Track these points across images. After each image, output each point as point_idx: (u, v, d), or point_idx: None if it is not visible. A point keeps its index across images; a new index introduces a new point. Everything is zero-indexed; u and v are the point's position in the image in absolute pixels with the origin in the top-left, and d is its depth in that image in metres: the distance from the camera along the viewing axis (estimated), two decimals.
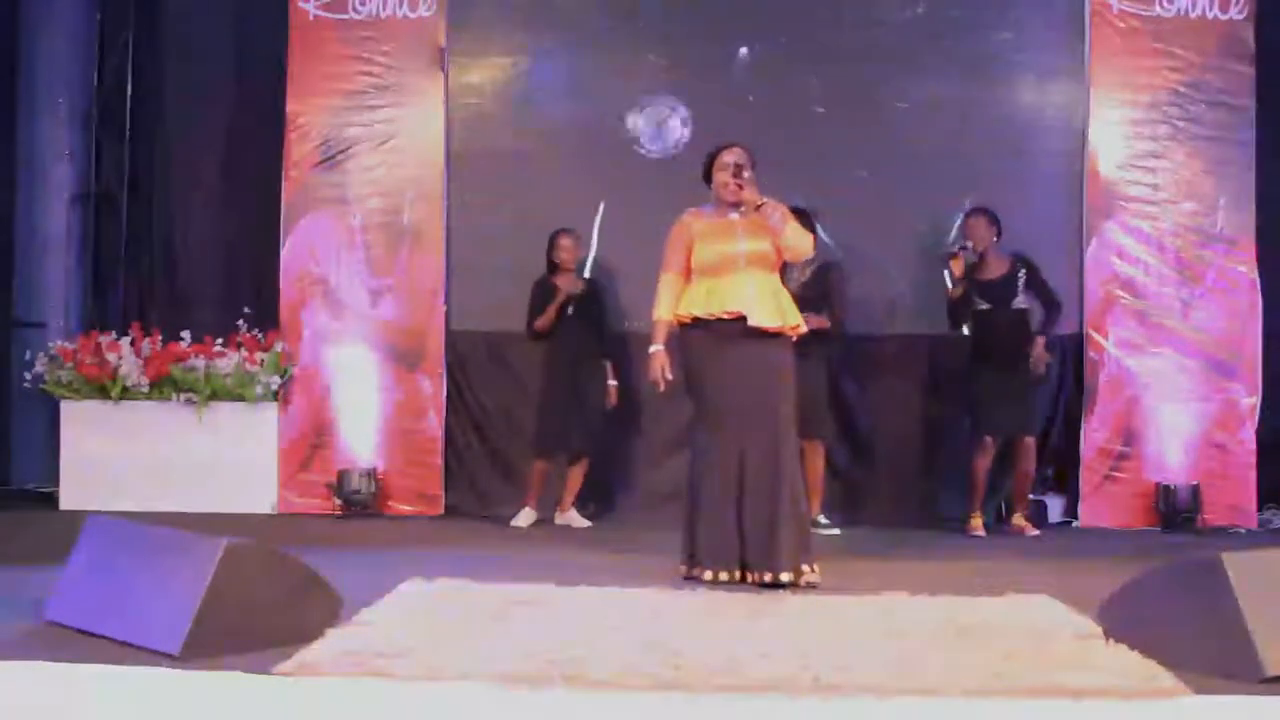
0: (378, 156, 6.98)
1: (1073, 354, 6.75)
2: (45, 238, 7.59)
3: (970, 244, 6.20)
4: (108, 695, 2.82)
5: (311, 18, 6.98)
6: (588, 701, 2.75)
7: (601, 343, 6.56)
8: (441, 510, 6.87)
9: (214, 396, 6.80)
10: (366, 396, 6.91)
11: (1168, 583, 3.26)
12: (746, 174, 4.55)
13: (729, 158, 4.60)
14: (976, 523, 6.28)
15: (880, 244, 6.80)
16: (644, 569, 4.67)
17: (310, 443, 6.89)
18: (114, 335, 6.99)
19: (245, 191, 7.43)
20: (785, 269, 4.90)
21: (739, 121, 6.69)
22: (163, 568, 3.23)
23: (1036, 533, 6.27)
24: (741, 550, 4.41)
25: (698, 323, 4.55)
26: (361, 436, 6.90)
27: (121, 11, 7.63)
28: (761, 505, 4.39)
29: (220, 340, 6.89)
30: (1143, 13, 6.75)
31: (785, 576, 4.32)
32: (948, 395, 6.73)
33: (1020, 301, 6.23)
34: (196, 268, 7.62)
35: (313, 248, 6.97)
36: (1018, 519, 6.33)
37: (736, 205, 4.60)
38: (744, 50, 6.93)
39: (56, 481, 6.91)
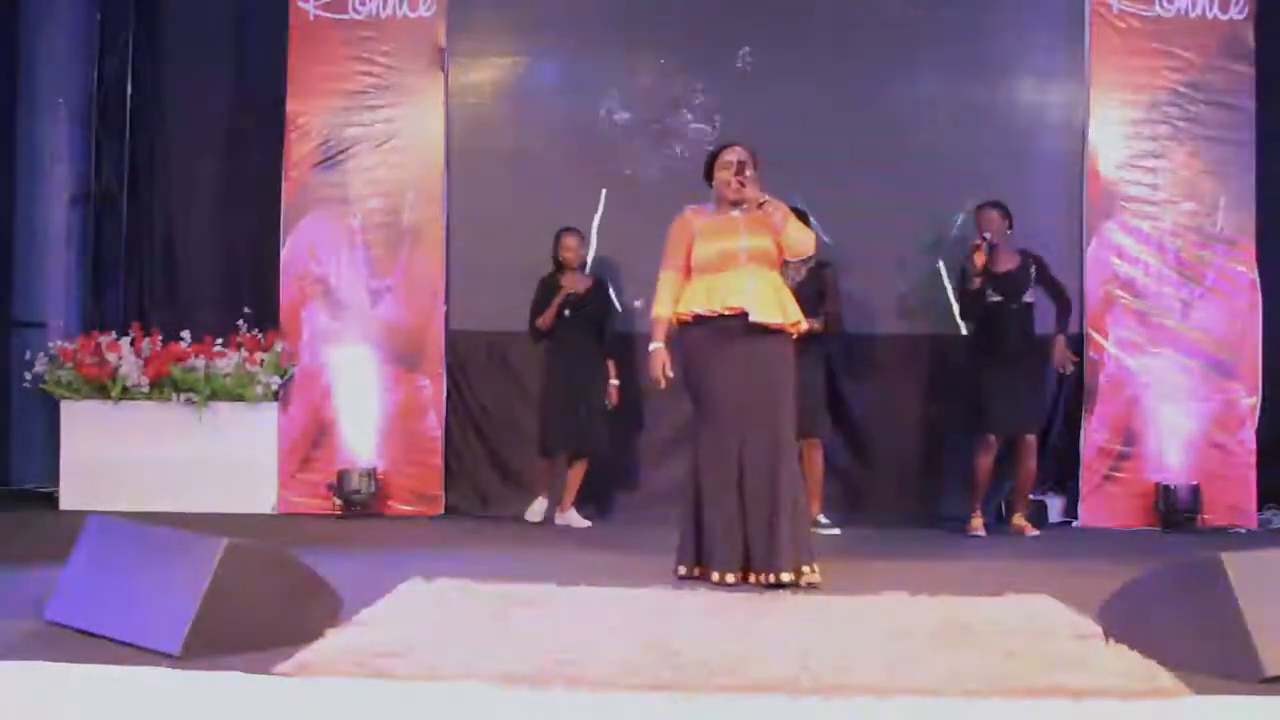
0: (378, 156, 6.98)
1: (1072, 354, 6.74)
2: (45, 238, 7.59)
3: (989, 235, 6.16)
4: (108, 695, 2.82)
5: (311, 18, 6.99)
6: (588, 701, 2.75)
7: (604, 342, 6.56)
8: (441, 510, 6.87)
9: (214, 396, 6.81)
10: (366, 396, 6.91)
11: (1168, 583, 3.25)
12: (749, 172, 4.55)
13: (731, 156, 4.60)
14: (977, 523, 6.28)
15: (880, 244, 6.80)
16: (644, 569, 4.66)
17: (310, 443, 6.90)
18: (114, 335, 6.99)
19: (245, 191, 7.43)
20: (783, 268, 4.89)
21: (739, 121, 6.71)
22: (163, 568, 3.23)
23: (1036, 533, 6.26)
24: (744, 550, 4.41)
25: (699, 320, 4.54)
26: (361, 436, 6.90)
27: (121, 11, 7.63)
28: (762, 504, 4.39)
29: (220, 340, 6.89)
30: (1143, 13, 6.76)
31: (786, 577, 4.32)
32: (948, 395, 6.72)
33: (1029, 296, 6.23)
34: (196, 268, 7.62)
35: (313, 248, 6.97)
36: (1018, 519, 6.32)
37: (738, 204, 4.60)
38: (744, 50, 6.93)
39: (56, 481, 6.91)
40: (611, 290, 6.81)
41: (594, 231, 6.90)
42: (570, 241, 6.50)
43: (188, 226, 7.64)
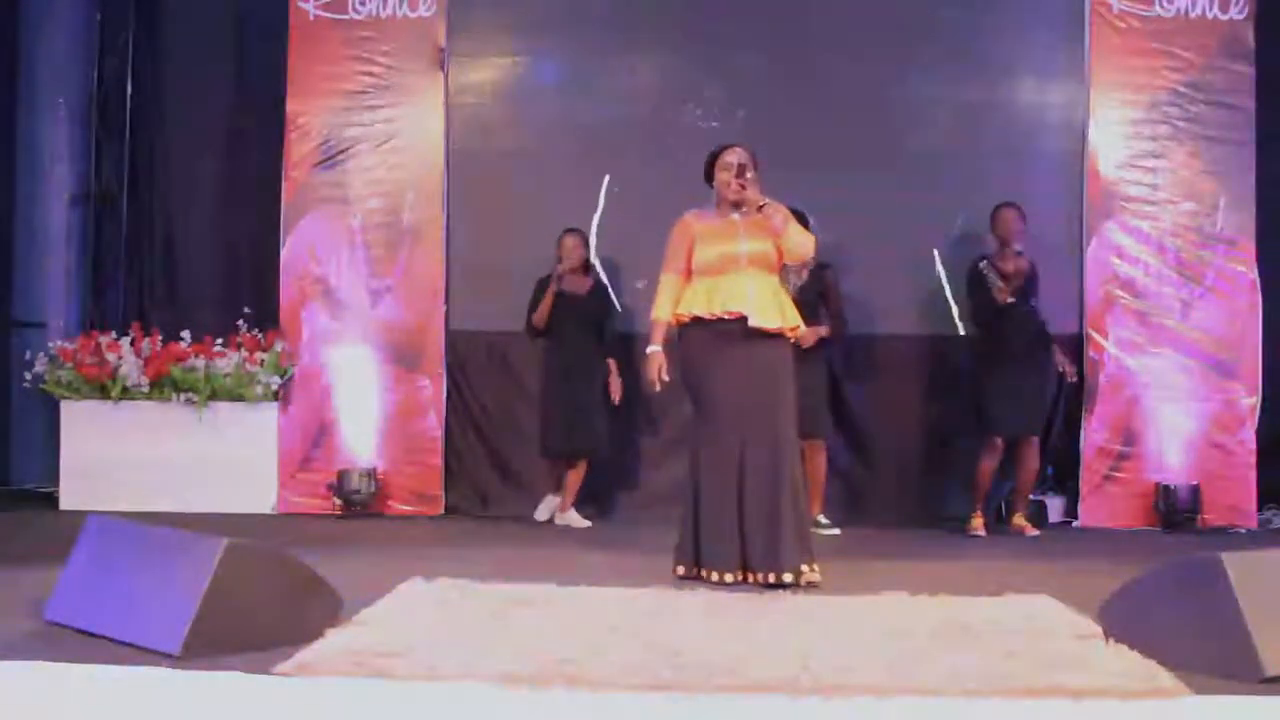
0: (378, 156, 6.98)
1: (1073, 354, 6.75)
2: (45, 238, 7.59)
3: (1014, 239, 6.15)
4: (108, 695, 2.82)
5: (311, 18, 6.99)
6: (588, 701, 2.75)
7: (604, 342, 6.55)
8: (441, 510, 6.87)
9: (214, 396, 6.81)
10: (366, 396, 6.91)
11: (1168, 583, 3.26)
12: (749, 174, 4.56)
13: (731, 158, 4.60)
14: (977, 523, 6.28)
15: (880, 244, 6.79)
16: (644, 569, 4.66)
17: (310, 443, 6.89)
18: (114, 335, 6.99)
19: (245, 191, 7.43)
20: (783, 271, 4.90)
21: (738, 121, 6.72)
22: (163, 568, 3.23)
23: (1036, 533, 6.26)
24: (743, 551, 4.41)
25: (698, 323, 4.55)
26: (361, 436, 6.90)
27: (121, 11, 7.63)
28: (761, 505, 4.39)
29: (220, 340, 6.89)
30: (1143, 13, 6.76)
31: (786, 577, 4.32)
32: (948, 395, 6.73)
33: (1035, 300, 6.25)
34: (196, 268, 7.62)
35: (313, 248, 6.97)
36: (1018, 519, 6.33)
37: (738, 206, 4.60)
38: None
39: (56, 481, 6.91)
40: (611, 291, 6.81)
41: (600, 204, 6.88)
42: (569, 241, 6.49)
43: (188, 226, 7.64)
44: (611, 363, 6.52)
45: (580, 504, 6.56)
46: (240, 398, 6.81)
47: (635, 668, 2.98)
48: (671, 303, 4.63)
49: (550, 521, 6.51)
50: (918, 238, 6.84)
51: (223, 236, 7.57)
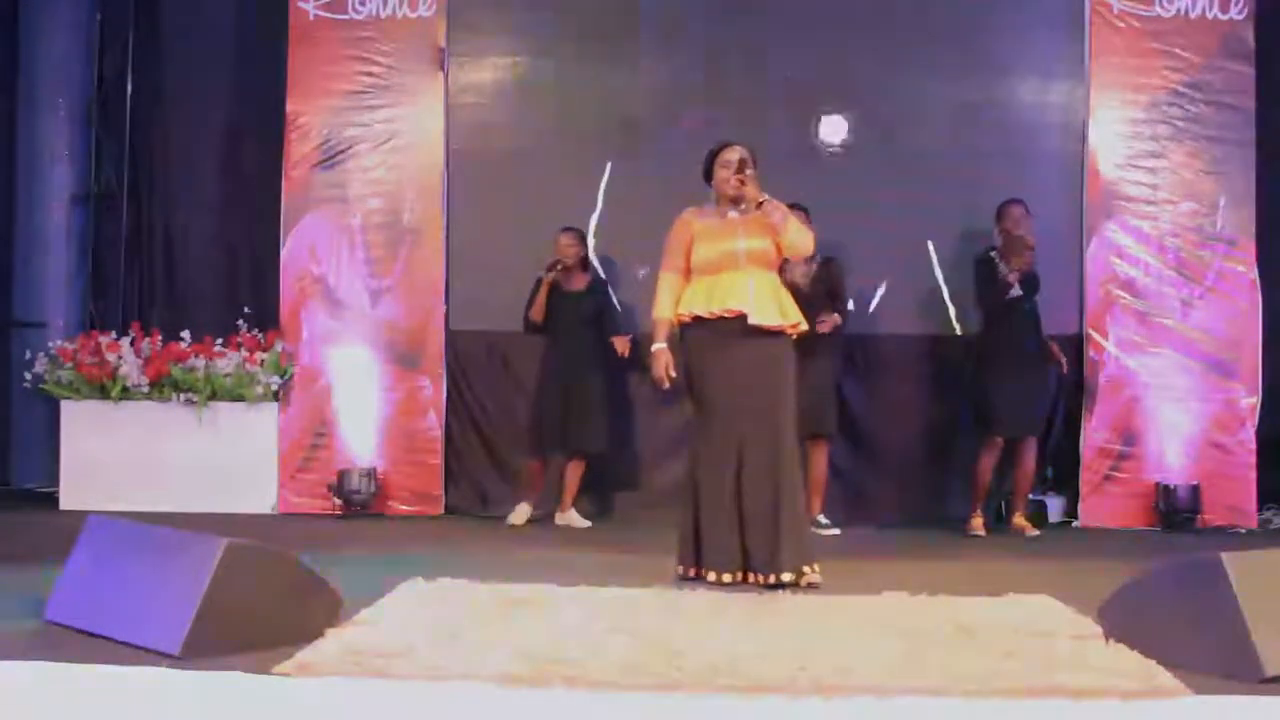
0: (378, 156, 6.98)
1: (1073, 354, 6.75)
2: (45, 238, 7.61)
3: (1024, 233, 6.16)
4: (108, 695, 2.82)
5: (311, 18, 6.99)
6: (588, 701, 2.75)
7: (602, 341, 6.54)
8: (441, 510, 6.87)
9: (214, 396, 6.81)
10: (366, 396, 6.92)
11: (1168, 583, 3.26)
12: (749, 171, 4.56)
13: (731, 155, 4.61)
14: (977, 523, 6.28)
15: (880, 244, 6.79)
16: (644, 569, 4.66)
17: (310, 443, 6.89)
18: (114, 335, 6.99)
19: (245, 191, 7.44)
20: (784, 265, 4.90)
21: (738, 121, 6.71)
22: (163, 568, 3.23)
23: (1036, 533, 6.26)
24: (743, 551, 4.41)
25: (698, 321, 4.55)
26: (361, 436, 6.90)
27: (121, 11, 7.64)
28: (761, 505, 4.39)
29: (220, 340, 6.89)
30: (1143, 13, 6.76)
31: (786, 577, 4.32)
32: (948, 395, 6.73)
33: (1037, 299, 6.27)
34: (196, 268, 7.63)
35: (313, 248, 6.98)
36: (1018, 519, 6.33)
37: (737, 203, 4.60)
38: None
39: (56, 481, 6.91)
40: (611, 290, 6.82)
41: (598, 206, 6.89)
42: (565, 240, 6.49)
43: (188, 226, 7.64)
44: (615, 341, 6.49)
45: (580, 504, 6.56)
46: (240, 398, 6.81)
47: (635, 668, 2.98)
48: (673, 301, 4.63)
49: (530, 525, 6.45)
50: (917, 237, 6.84)
51: (223, 236, 7.58)
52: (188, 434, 6.79)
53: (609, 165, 6.96)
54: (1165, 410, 6.66)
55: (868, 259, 6.77)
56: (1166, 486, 6.53)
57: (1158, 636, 3.14)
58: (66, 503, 6.74)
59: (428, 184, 6.97)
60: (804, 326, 4.66)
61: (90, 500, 6.41)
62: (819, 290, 6.16)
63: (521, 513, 6.47)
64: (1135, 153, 6.77)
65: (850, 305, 6.58)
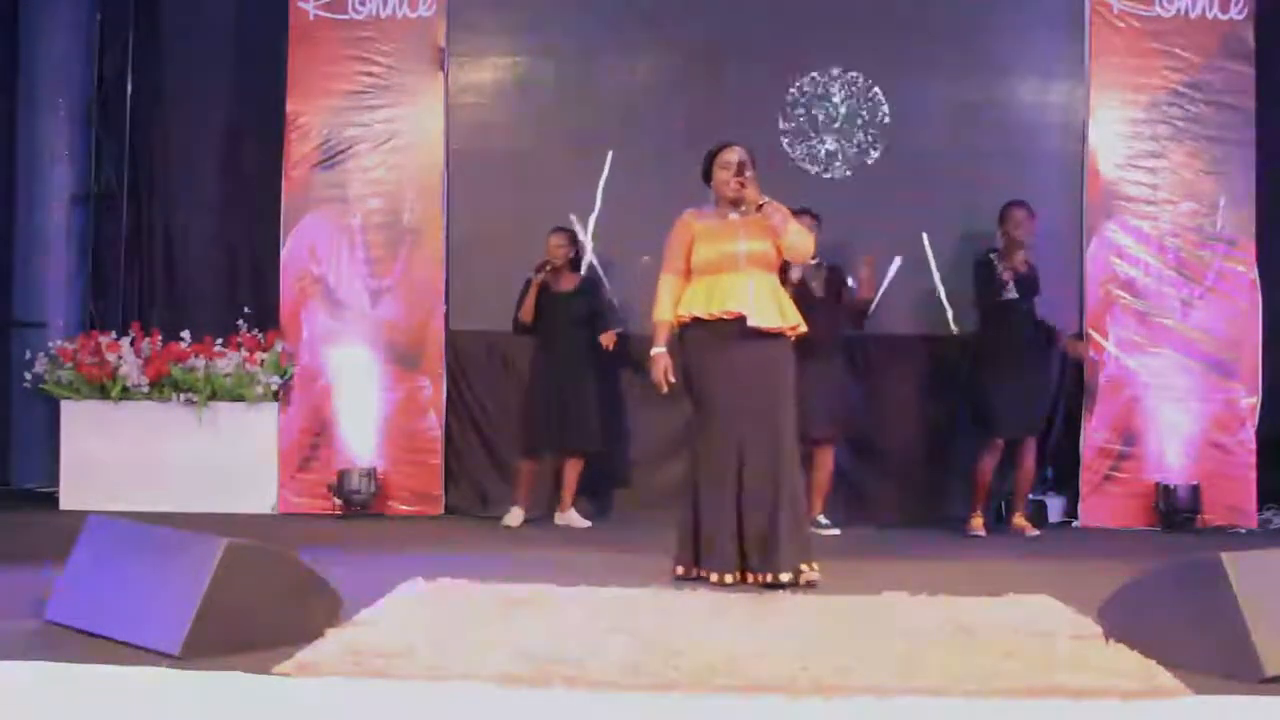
0: (378, 156, 6.98)
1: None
2: (45, 238, 7.60)
3: (1023, 234, 6.16)
4: (108, 695, 2.82)
5: (311, 18, 6.99)
6: (588, 701, 2.75)
7: (594, 342, 6.51)
8: (441, 510, 6.87)
9: (214, 396, 6.81)
10: (366, 396, 6.92)
11: (1168, 583, 3.26)
12: (748, 173, 4.55)
13: (731, 156, 4.60)
14: (977, 523, 6.28)
15: (880, 244, 6.79)
16: (644, 569, 4.66)
17: (310, 443, 6.90)
18: (114, 335, 6.99)
19: (245, 191, 7.44)
20: (786, 269, 4.90)
21: (738, 121, 6.71)
22: (163, 568, 3.23)
23: (1036, 533, 6.26)
24: (741, 552, 4.41)
25: (697, 322, 4.54)
26: (361, 436, 6.90)
27: (121, 11, 7.63)
28: (760, 506, 4.39)
29: (220, 340, 6.89)
30: (1143, 13, 6.76)
31: (785, 577, 4.32)
32: (948, 395, 6.73)
33: (1036, 300, 6.27)
34: (196, 268, 7.63)
35: (313, 248, 6.98)
36: (1018, 519, 6.33)
37: (737, 204, 4.60)
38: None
39: (56, 481, 6.91)
40: (608, 288, 6.81)
41: (598, 197, 6.89)
42: (555, 240, 6.47)
43: (188, 226, 7.64)
44: (608, 334, 6.46)
45: (579, 504, 6.55)
46: (240, 398, 6.81)
47: (635, 668, 2.98)
48: (672, 303, 4.62)
49: (527, 525, 6.45)
50: (918, 238, 6.83)
51: (223, 236, 7.58)
52: (188, 434, 6.79)
53: (608, 165, 6.95)
54: (1165, 410, 6.66)
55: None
56: (1166, 486, 6.53)
57: (1158, 636, 3.14)
58: (66, 503, 6.74)
59: (428, 184, 6.97)
60: (804, 329, 4.66)
61: (90, 500, 6.41)
62: (830, 291, 6.20)
63: (516, 515, 6.47)
64: (1135, 153, 6.77)
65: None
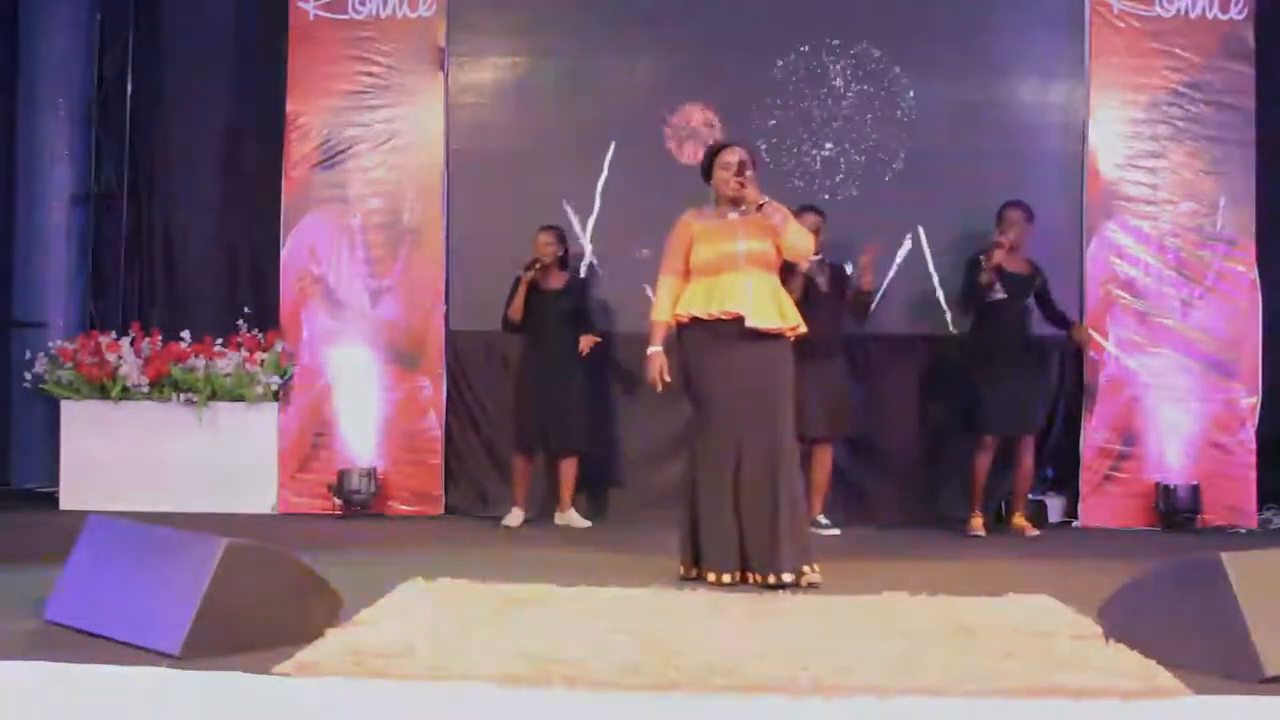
0: (378, 156, 6.98)
1: (1072, 354, 6.75)
2: (45, 238, 7.60)
3: (1012, 235, 6.15)
4: (108, 695, 2.83)
5: (311, 18, 6.99)
6: (588, 701, 2.75)
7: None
8: (441, 510, 6.87)
9: (214, 396, 6.80)
10: (366, 396, 6.92)
11: (1168, 583, 3.26)
12: (749, 173, 4.55)
13: (731, 156, 4.60)
14: (977, 523, 6.28)
15: (879, 244, 6.77)
16: (644, 569, 4.67)
17: (310, 443, 6.89)
18: (114, 335, 6.99)
19: (245, 191, 7.43)
20: (788, 269, 4.90)
21: (738, 121, 6.73)
22: (163, 568, 3.24)
23: (1036, 533, 6.26)
24: (741, 552, 4.41)
25: (696, 322, 4.54)
26: (361, 436, 6.90)
27: (121, 11, 7.63)
28: (760, 506, 4.39)
29: (220, 340, 6.89)
30: (1143, 13, 6.76)
31: (786, 577, 4.32)
32: (946, 394, 6.72)
33: (1029, 302, 6.28)
34: (196, 268, 7.62)
35: (313, 248, 6.97)
36: (1018, 519, 6.33)
37: (737, 204, 4.60)
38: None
39: (56, 481, 6.91)
40: (589, 289, 6.81)
41: (602, 176, 6.89)
42: (543, 239, 6.45)
43: (188, 226, 7.63)
44: (587, 337, 6.44)
45: (578, 504, 6.56)
46: (240, 398, 6.81)
47: (635, 668, 2.98)
48: (671, 303, 4.63)
49: (526, 525, 6.44)
50: (917, 237, 6.83)
51: (223, 236, 7.57)
52: (188, 434, 6.79)
53: (608, 166, 6.95)
54: (1165, 410, 6.66)
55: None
56: (1166, 486, 6.53)
57: (1158, 636, 3.14)
58: (66, 503, 6.74)
59: (428, 184, 6.97)
60: (803, 329, 4.66)
61: (90, 500, 6.41)
62: (835, 290, 6.20)
63: (515, 516, 6.47)
64: (1135, 153, 6.77)
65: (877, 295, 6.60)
